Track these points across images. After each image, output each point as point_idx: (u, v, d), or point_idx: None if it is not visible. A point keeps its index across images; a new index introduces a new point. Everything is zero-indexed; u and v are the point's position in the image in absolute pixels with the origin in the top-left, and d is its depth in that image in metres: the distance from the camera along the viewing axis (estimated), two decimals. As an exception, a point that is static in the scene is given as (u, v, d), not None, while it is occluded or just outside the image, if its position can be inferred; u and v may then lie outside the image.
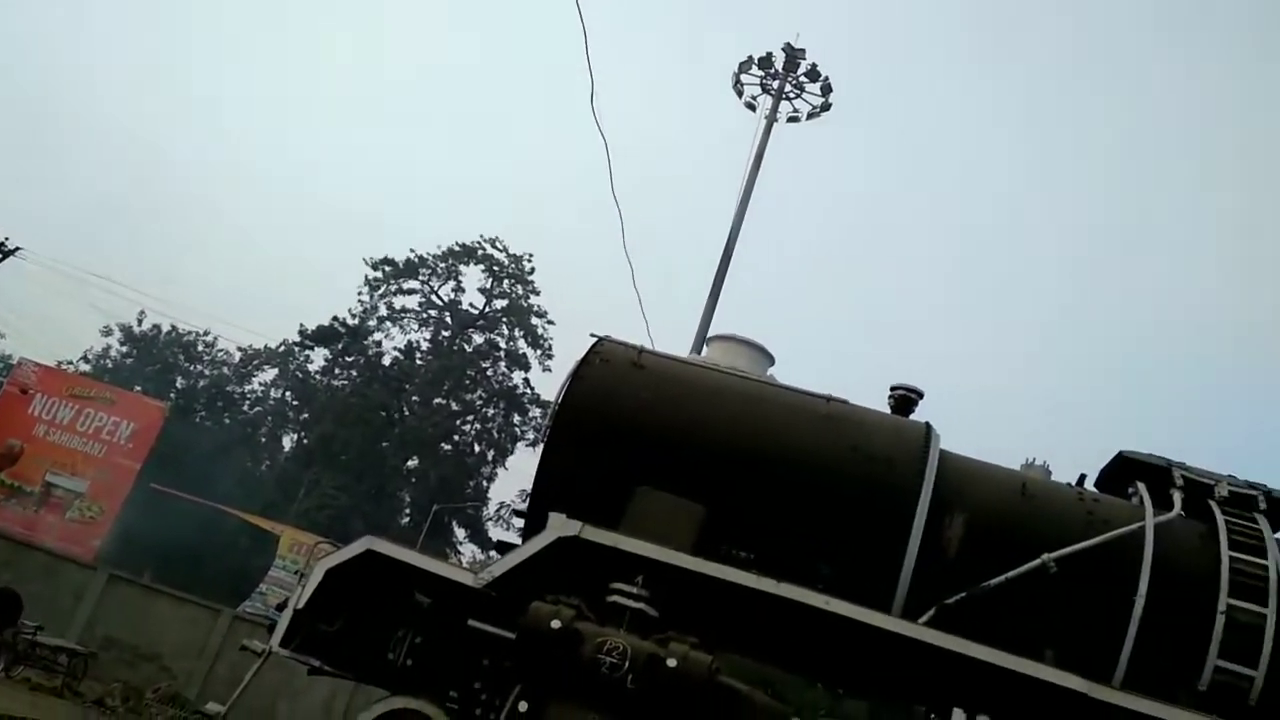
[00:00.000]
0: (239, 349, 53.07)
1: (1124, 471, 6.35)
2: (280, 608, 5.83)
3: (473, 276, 51.64)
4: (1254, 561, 5.60)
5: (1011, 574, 5.62)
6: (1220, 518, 5.84)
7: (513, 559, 5.59)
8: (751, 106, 26.86)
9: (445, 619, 5.53)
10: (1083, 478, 6.47)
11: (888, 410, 6.69)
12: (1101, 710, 5.12)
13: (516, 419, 50.79)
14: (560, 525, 5.51)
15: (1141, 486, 6.13)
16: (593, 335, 6.68)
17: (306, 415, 50.91)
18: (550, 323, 51.05)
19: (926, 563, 5.75)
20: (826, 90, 26.89)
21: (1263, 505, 6.00)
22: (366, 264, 50.78)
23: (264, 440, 52.41)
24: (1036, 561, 5.62)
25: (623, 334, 6.74)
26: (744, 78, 26.59)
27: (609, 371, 6.40)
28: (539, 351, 51.05)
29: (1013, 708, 5.22)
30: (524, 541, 5.79)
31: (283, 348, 51.84)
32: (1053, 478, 6.51)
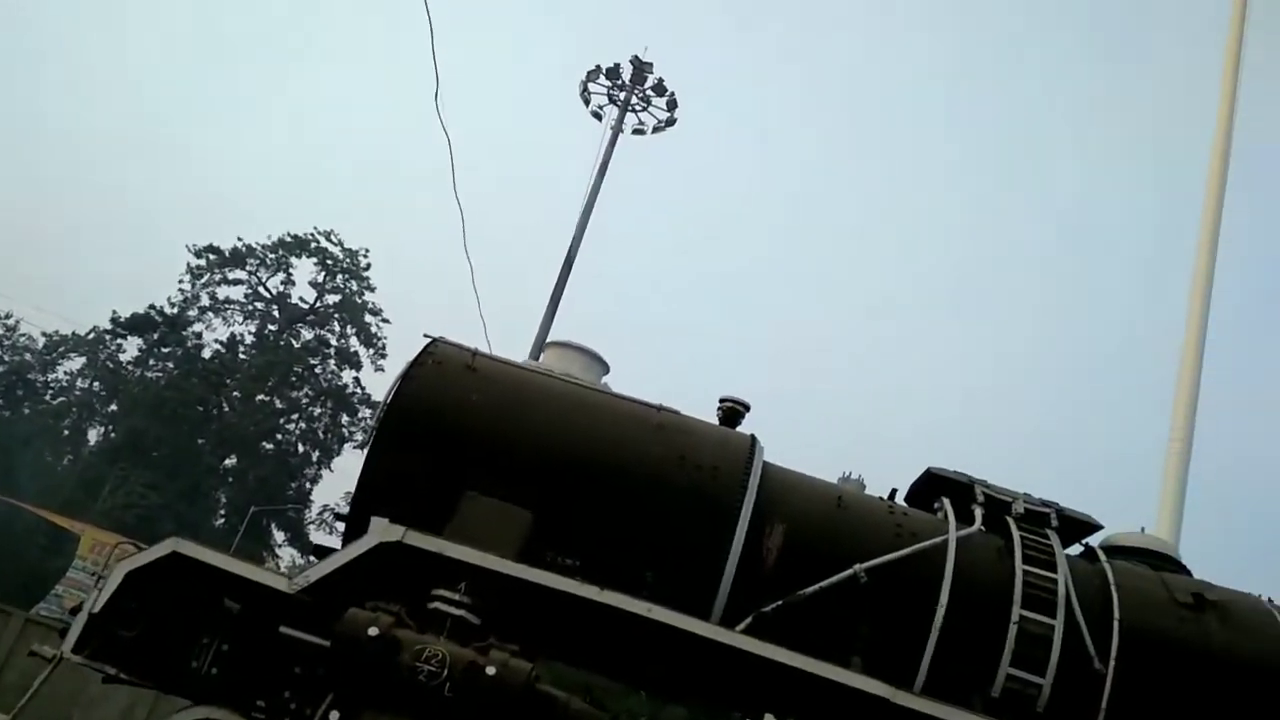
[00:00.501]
0: (44, 334, 49.64)
1: (931, 487, 6.68)
2: (75, 611, 5.47)
3: (305, 269, 49.96)
4: (1045, 575, 5.99)
5: (825, 583, 5.82)
6: (1016, 533, 6.22)
7: (330, 564, 5.42)
8: (598, 115, 27.05)
9: (256, 626, 5.30)
10: (894, 492, 6.77)
11: (716, 422, 6.83)
12: (903, 715, 5.36)
13: (345, 419, 49.36)
14: (382, 530, 5.38)
15: (946, 502, 6.46)
16: (426, 336, 6.57)
17: (115, 408, 47.99)
18: (386, 321, 49.95)
19: (746, 571, 5.89)
20: (672, 105, 27.35)
21: (1054, 522, 6.43)
22: (190, 251, 48.37)
23: (67, 433, 49.12)
24: (848, 571, 5.85)
25: (464, 336, 6.67)
26: (591, 86, 26.75)
27: (441, 373, 6.30)
28: (372, 350, 49.86)
29: (822, 712, 5.42)
30: (344, 546, 5.63)
31: (93, 335, 48.78)
32: (867, 491, 6.78)
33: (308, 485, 48.83)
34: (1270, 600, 6.40)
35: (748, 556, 5.91)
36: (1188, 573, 6.67)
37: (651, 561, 5.87)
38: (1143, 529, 7.16)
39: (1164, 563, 6.65)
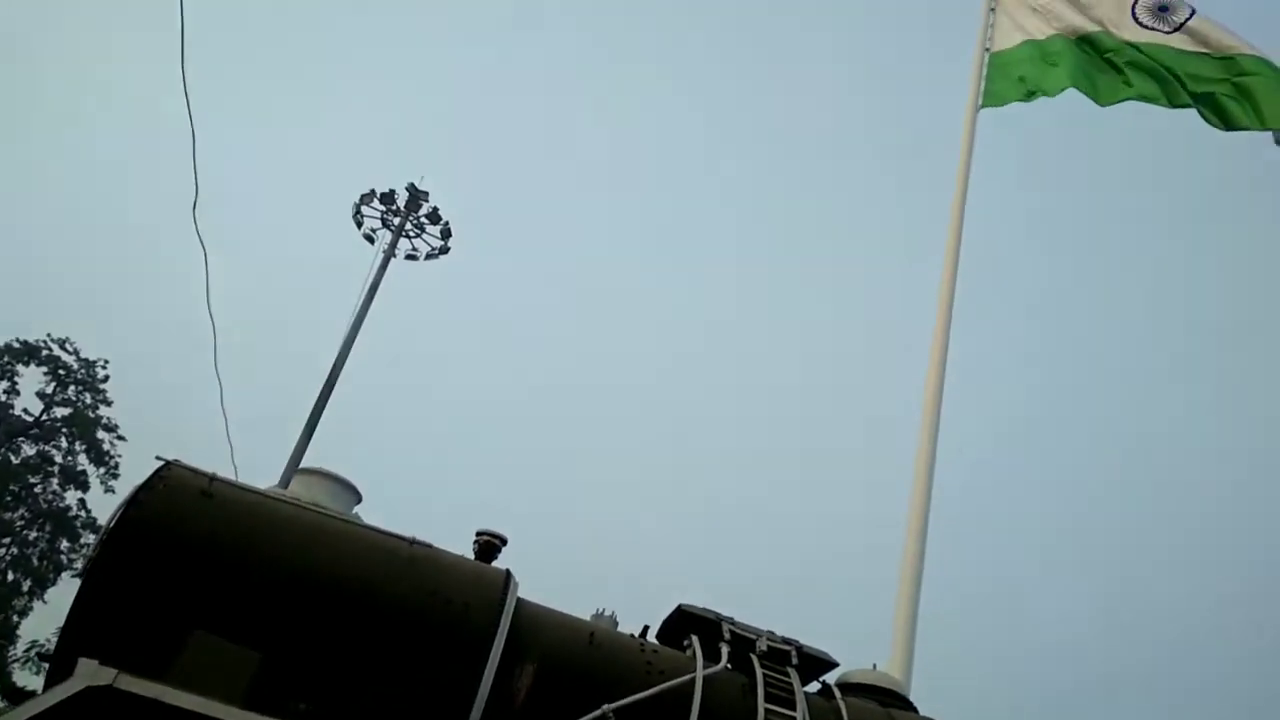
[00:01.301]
0: None
1: (682, 624, 6.79)
2: None
3: (32, 378, 45.81)
4: (784, 713, 6.18)
5: (574, 723, 5.74)
6: (759, 671, 6.40)
7: (25, 712, 4.84)
8: (370, 239, 26.82)
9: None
10: (645, 629, 6.83)
11: (472, 555, 6.72)
12: None
13: (64, 544, 44.79)
14: (90, 673, 4.87)
15: (695, 639, 6.58)
16: (159, 458, 6.14)
17: None
18: (121, 438, 46.23)
19: (494, 712, 5.73)
20: (446, 234, 27.53)
21: (795, 660, 6.67)
22: (-107, 352, 43.49)
23: None
24: (598, 712, 5.80)
25: (209, 460, 6.27)
26: (364, 210, 26.59)
27: (172, 498, 5.88)
28: (103, 470, 45.87)
29: None
30: (45, 690, 5.05)
31: None
32: (620, 628, 6.81)
33: (16, 618, 43.62)
34: None
35: (496, 697, 5.75)
36: (915, 709, 7.04)
37: (395, 704, 5.61)
38: (874, 665, 7.53)
39: (893, 699, 7.00)
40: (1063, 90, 9.70)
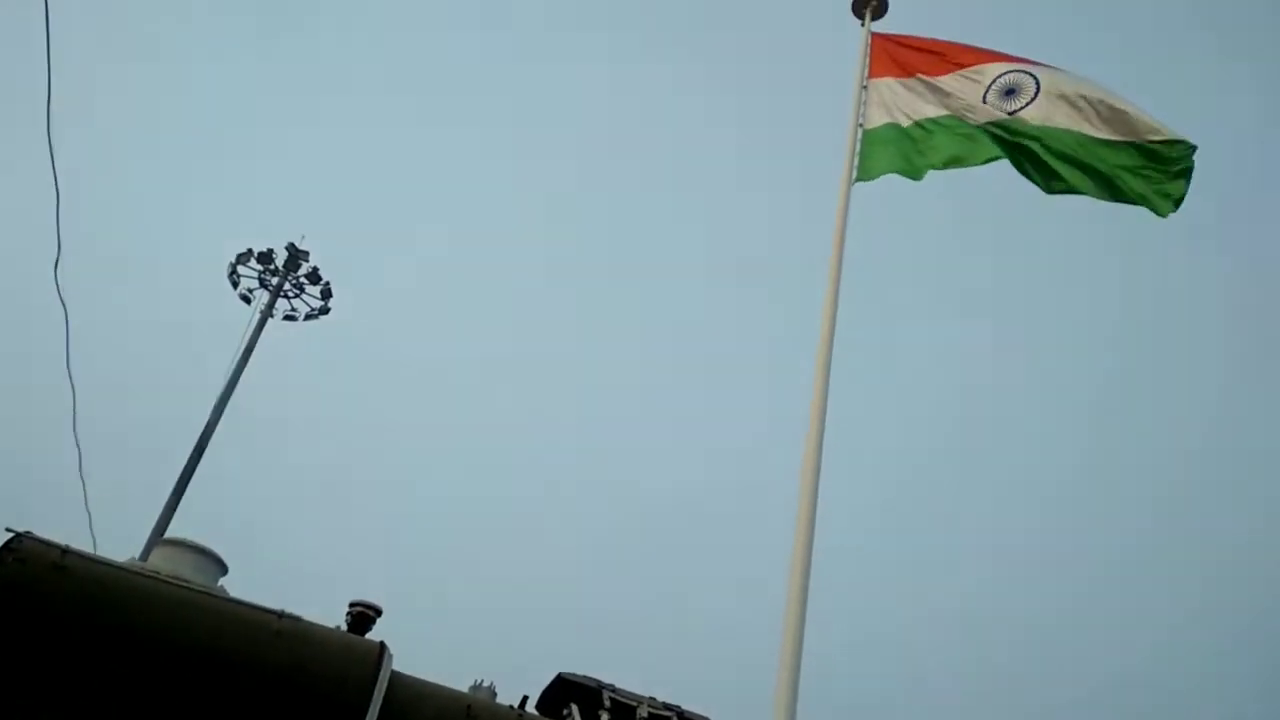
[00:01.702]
0: None
1: (562, 693, 6.71)
2: None
3: None
4: (664, 781, 6.12)
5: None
6: (639, 737, 6.35)
7: None
8: (246, 299, 26.19)
9: None
10: (524, 699, 6.70)
11: (345, 627, 6.52)
12: None
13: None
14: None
15: (575, 708, 6.50)
16: (9, 530, 5.80)
17: None
18: (-30, 509, 43.51)
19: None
20: (327, 294, 27.06)
21: (675, 725, 6.64)
22: None
23: None
24: (474, 787, 5.65)
25: (68, 534, 5.94)
26: (241, 269, 25.98)
27: (22, 573, 5.54)
28: (-52, 541, 43.02)
29: None
30: None
31: None
32: (499, 698, 6.67)
33: None
34: None
35: (368, 775, 5.56)
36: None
37: (260, 786, 5.35)
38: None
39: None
40: (926, 172, 10.29)
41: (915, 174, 10.32)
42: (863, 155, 10.60)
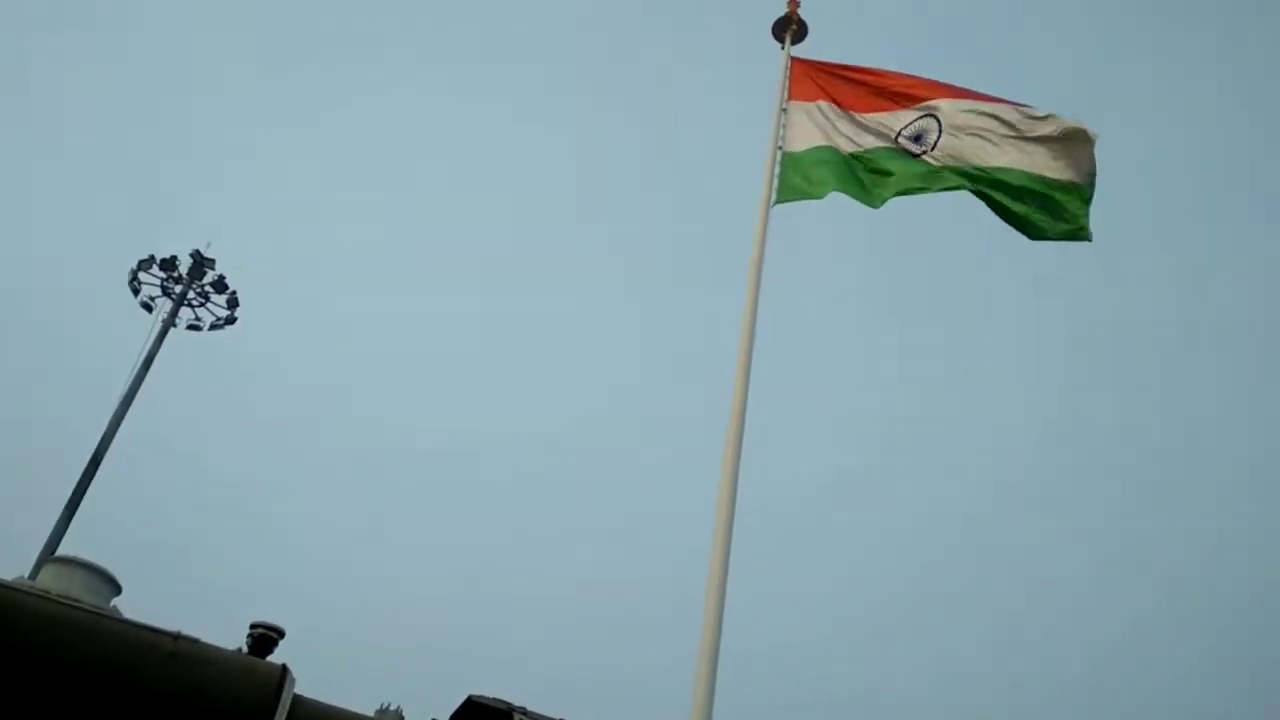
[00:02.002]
0: None
1: (471, 715, 6.55)
2: None
3: None
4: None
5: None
6: (551, 760, 6.23)
7: None
8: (148, 307, 25.36)
9: None
10: (433, 722, 6.56)
11: (245, 649, 6.30)
12: None
13: None
14: None
15: (486, 731, 6.35)
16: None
17: None
18: None
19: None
20: (234, 304, 26.36)
21: (590, 748, 6.53)
22: None
23: None
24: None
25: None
26: (142, 276, 25.14)
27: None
28: None
29: None
30: None
31: None
32: (406, 722, 6.50)
33: None
34: None
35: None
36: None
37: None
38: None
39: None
40: (829, 193, 10.53)
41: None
42: (782, 177, 10.71)
